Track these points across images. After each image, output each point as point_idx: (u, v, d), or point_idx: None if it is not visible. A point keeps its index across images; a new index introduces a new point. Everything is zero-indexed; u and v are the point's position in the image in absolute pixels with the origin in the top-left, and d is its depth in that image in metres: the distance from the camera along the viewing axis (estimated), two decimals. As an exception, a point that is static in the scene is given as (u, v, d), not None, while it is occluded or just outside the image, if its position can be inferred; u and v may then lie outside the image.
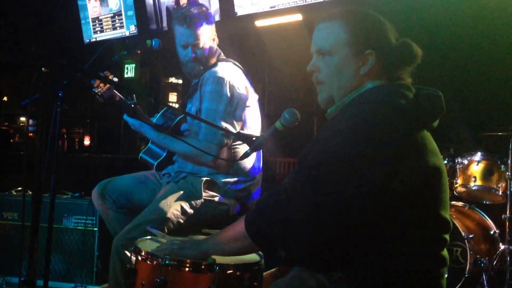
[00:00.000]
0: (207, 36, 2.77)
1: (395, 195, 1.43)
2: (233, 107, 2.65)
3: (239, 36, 5.69)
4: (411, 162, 1.46)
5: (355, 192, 1.41)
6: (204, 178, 2.66)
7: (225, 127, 2.57)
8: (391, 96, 1.53)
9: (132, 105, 2.81)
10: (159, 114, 3.03)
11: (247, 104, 2.75)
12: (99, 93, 2.81)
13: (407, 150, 1.46)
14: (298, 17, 4.90)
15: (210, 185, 2.68)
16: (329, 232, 1.43)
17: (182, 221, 2.57)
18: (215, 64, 2.80)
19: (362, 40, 1.61)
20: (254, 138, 2.16)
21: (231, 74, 2.72)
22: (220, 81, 2.66)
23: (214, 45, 2.84)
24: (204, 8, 2.80)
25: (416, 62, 1.64)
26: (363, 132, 1.44)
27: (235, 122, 2.65)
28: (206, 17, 2.76)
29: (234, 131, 2.58)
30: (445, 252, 1.58)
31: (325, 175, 1.43)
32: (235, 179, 2.70)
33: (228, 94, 2.65)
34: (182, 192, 2.63)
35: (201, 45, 2.75)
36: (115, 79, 2.77)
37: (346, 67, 1.63)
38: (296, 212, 1.44)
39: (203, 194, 2.64)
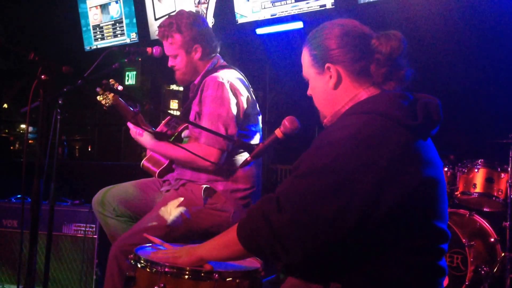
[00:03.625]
0: (173, 48, 2.80)
1: (387, 207, 1.42)
2: (234, 112, 2.65)
3: (240, 44, 5.71)
4: (404, 173, 1.44)
5: (346, 203, 1.40)
6: (204, 186, 2.66)
7: (227, 131, 2.57)
8: (384, 106, 1.51)
9: (135, 113, 2.80)
10: (163, 122, 3.03)
11: (248, 112, 2.74)
12: (103, 101, 2.79)
13: (399, 161, 1.44)
14: (299, 24, 4.91)
15: (210, 193, 2.68)
16: (319, 242, 1.42)
17: (182, 228, 2.56)
18: (216, 70, 2.80)
19: (319, 58, 1.67)
20: (254, 146, 2.16)
21: (233, 80, 2.72)
22: (221, 86, 2.66)
23: (193, 56, 2.83)
24: (167, 21, 2.81)
25: (396, 55, 1.60)
26: (354, 144, 1.44)
27: (236, 127, 2.64)
28: (167, 32, 2.79)
29: (235, 135, 2.60)
30: (442, 262, 1.57)
31: (316, 185, 1.43)
32: (235, 187, 2.69)
33: (229, 99, 2.64)
34: (182, 199, 2.63)
35: (173, 57, 2.83)
36: (120, 87, 2.76)
37: (317, 87, 1.71)
38: (286, 221, 1.43)
39: (203, 201, 2.64)
